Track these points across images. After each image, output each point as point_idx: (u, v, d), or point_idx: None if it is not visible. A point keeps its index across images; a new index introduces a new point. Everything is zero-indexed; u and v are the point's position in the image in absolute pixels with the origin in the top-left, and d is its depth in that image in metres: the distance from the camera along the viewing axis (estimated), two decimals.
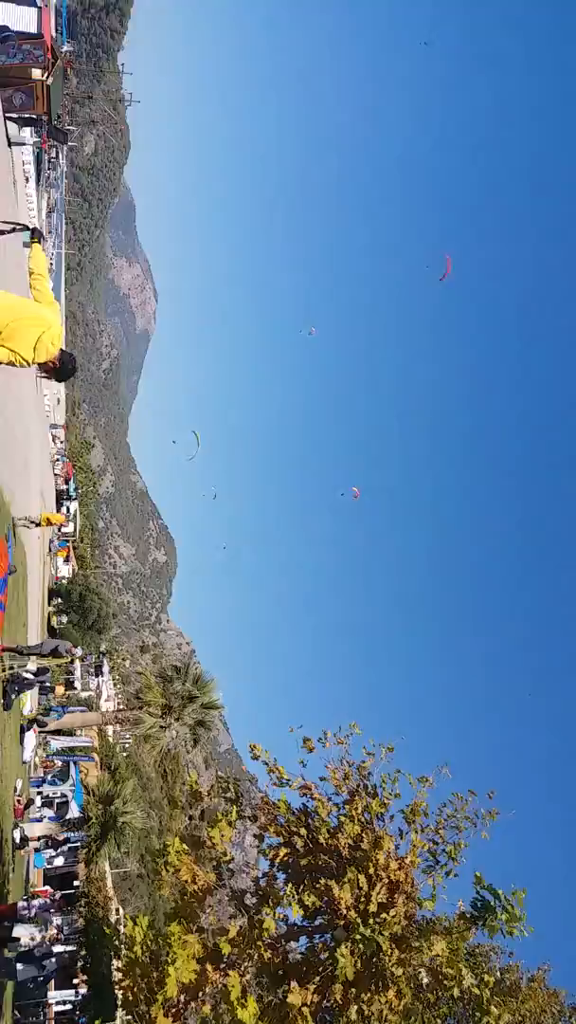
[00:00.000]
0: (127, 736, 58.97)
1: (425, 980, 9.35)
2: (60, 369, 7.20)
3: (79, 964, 31.42)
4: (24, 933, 12.59)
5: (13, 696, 17.56)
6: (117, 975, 10.02)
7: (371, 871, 9.52)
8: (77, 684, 61.47)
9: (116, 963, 10.03)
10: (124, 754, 67.64)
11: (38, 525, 28.53)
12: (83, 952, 31.83)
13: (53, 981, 30.63)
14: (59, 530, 61.25)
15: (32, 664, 17.10)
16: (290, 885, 9.51)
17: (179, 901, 9.87)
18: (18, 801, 22.06)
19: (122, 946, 9.56)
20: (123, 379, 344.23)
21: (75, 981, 31.76)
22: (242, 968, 9.63)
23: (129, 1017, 9.17)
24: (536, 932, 9.92)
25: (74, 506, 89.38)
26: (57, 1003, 30.42)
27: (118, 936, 9.93)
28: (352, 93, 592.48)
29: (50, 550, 55.17)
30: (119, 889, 56.24)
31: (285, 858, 10.07)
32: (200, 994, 9.38)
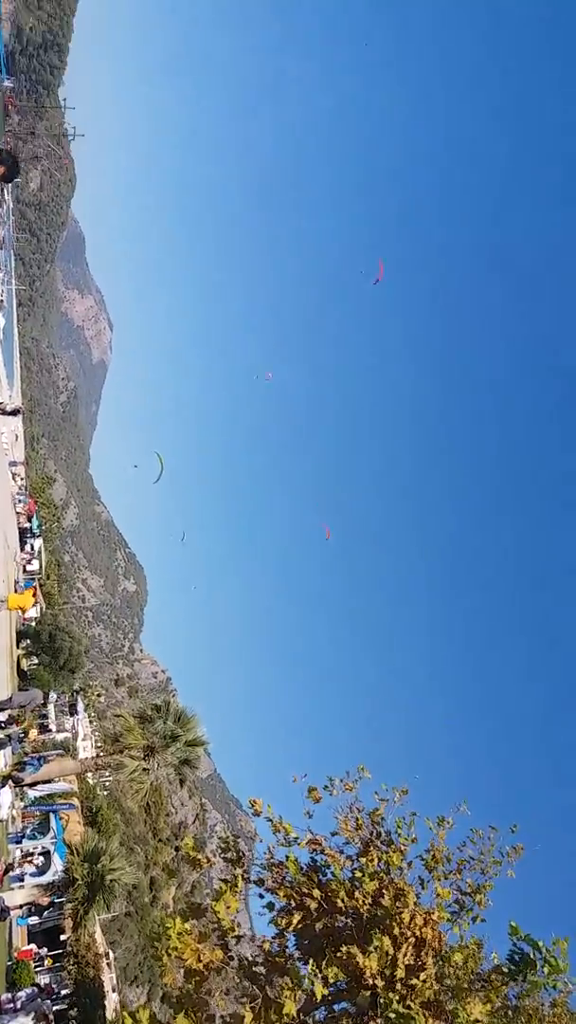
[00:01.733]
0: (108, 775, 57.26)
1: None
2: (8, 168, 6.50)
3: None
4: None
5: None
6: None
7: (395, 931, 8.64)
8: (52, 726, 59.53)
9: None
10: (105, 792, 65.72)
11: (4, 605, 27.29)
12: (73, 1012, 30.23)
13: None
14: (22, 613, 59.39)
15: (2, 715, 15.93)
16: (311, 962, 8.52)
17: (184, 988, 8.84)
18: None
19: None
20: (81, 410, 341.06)
21: None
22: None
23: None
24: None
25: (38, 543, 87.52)
26: None
27: None
28: (305, 112, 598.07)
29: (15, 591, 53.46)
30: (108, 932, 54.32)
31: (299, 925, 9.10)
32: None
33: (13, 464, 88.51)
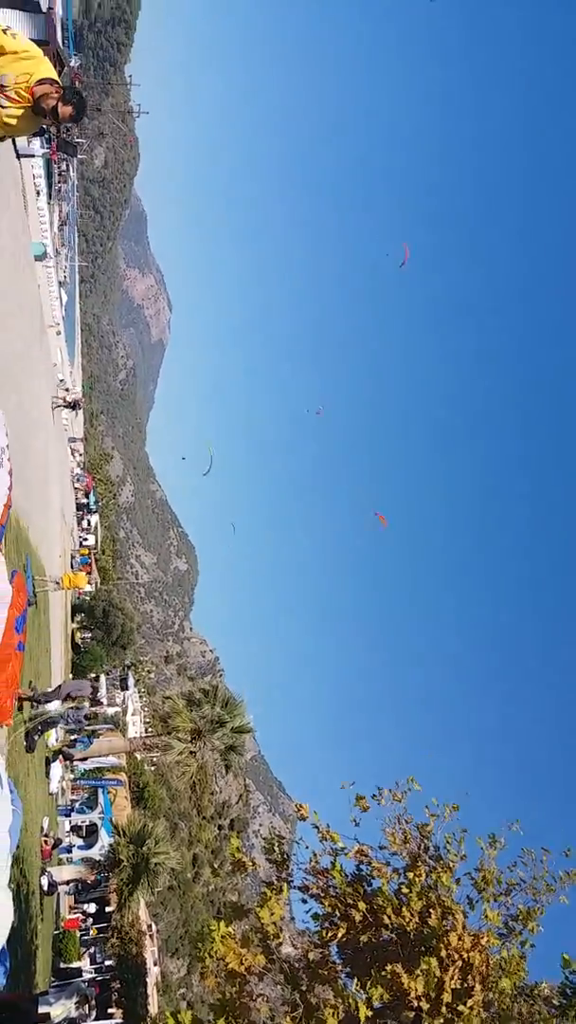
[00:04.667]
0: (156, 755, 58.22)
1: None
2: (76, 107, 6.71)
3: (114, 997, 30.55)
4: (58, 1010, 11.55)
5: (36, 737, 16.63)
6: None
7: (442, 953, 8.43)
8: (103, 700, 60.69)
9: None
10: (152, 768, 66.78)
11: (59, 586, 27.71)
12: (117, 985, 30.95)
13: (91, 1010, 29.74)
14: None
15: (52, 705, 16.18)
16: (355, 981, 8.38)
17: (225, 991, 8.80)
18: (45, 841, 21.10)
19: None
20: (139, 389, 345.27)
21: (110, 1011, 30.87)
22: None
23: None
24: None
25: (95, 519, 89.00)
26: None
27: None
28: (355, 89, 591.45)
29: (72, 568, 54.55)
30: (150, 906, 55.42)
31: (343, 938, 8.96)
32: None
33: (73, 440, 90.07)
